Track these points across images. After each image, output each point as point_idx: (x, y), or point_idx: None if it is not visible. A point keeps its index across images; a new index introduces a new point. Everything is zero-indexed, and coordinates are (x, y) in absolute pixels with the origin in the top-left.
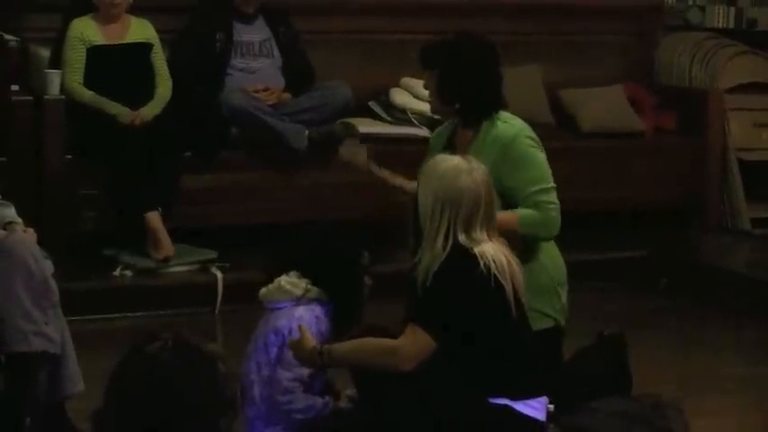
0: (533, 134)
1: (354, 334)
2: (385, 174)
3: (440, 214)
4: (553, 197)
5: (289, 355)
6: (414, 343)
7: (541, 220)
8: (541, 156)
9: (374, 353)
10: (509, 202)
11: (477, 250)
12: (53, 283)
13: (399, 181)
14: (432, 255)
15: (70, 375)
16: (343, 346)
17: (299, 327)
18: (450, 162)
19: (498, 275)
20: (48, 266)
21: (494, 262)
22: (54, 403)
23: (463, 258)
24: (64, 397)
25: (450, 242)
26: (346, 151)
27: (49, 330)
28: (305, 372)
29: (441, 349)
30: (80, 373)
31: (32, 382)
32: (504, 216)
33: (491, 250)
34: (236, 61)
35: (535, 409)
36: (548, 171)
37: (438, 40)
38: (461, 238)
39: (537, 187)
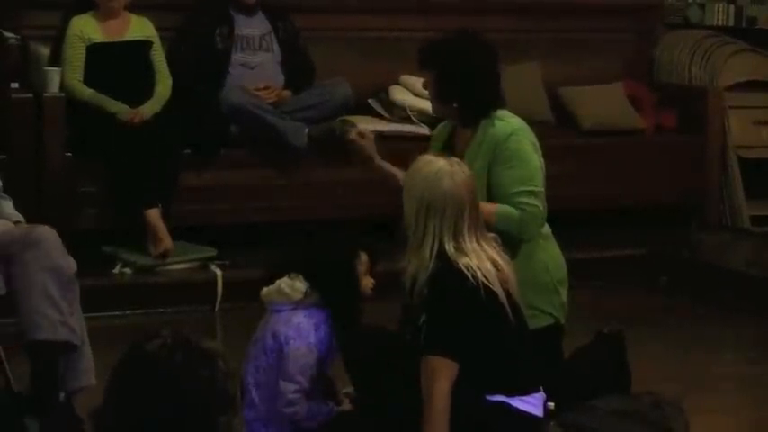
0: (532, 135)
1: (353, 334)
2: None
3: (424, 218)
4: (537, 201)
5: (290, 366)
6: (442, 375)
7: (518, 221)
8: (535, 157)
9: (426, 420)
10: (494, 201)
11: (461, 264)
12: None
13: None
14: (419, 262)
15: (84, 369)
16: None
17: None
18: (434, 165)
19: (487, 283)
20: (71, 263)
21: (479, 270)
22: (68, 394)
23: (450, 276)
24: (78, 388)
25: (436, 250)
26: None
27: (73, 322)
28: (307, 382)
29: None
30: (93, 368)
31: (54, 370)
32: (482, 206)
33: (475, 261)
34: (237, 56)
35: (532, 404)
36: (538, 174)
37: (435, 40)
38: (449, 247)
39: (522, 188)
